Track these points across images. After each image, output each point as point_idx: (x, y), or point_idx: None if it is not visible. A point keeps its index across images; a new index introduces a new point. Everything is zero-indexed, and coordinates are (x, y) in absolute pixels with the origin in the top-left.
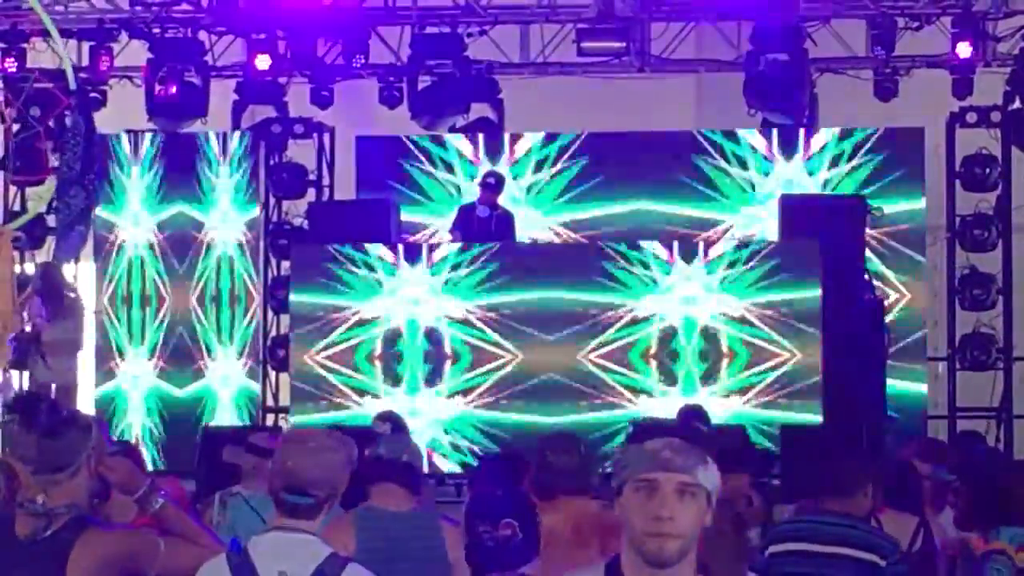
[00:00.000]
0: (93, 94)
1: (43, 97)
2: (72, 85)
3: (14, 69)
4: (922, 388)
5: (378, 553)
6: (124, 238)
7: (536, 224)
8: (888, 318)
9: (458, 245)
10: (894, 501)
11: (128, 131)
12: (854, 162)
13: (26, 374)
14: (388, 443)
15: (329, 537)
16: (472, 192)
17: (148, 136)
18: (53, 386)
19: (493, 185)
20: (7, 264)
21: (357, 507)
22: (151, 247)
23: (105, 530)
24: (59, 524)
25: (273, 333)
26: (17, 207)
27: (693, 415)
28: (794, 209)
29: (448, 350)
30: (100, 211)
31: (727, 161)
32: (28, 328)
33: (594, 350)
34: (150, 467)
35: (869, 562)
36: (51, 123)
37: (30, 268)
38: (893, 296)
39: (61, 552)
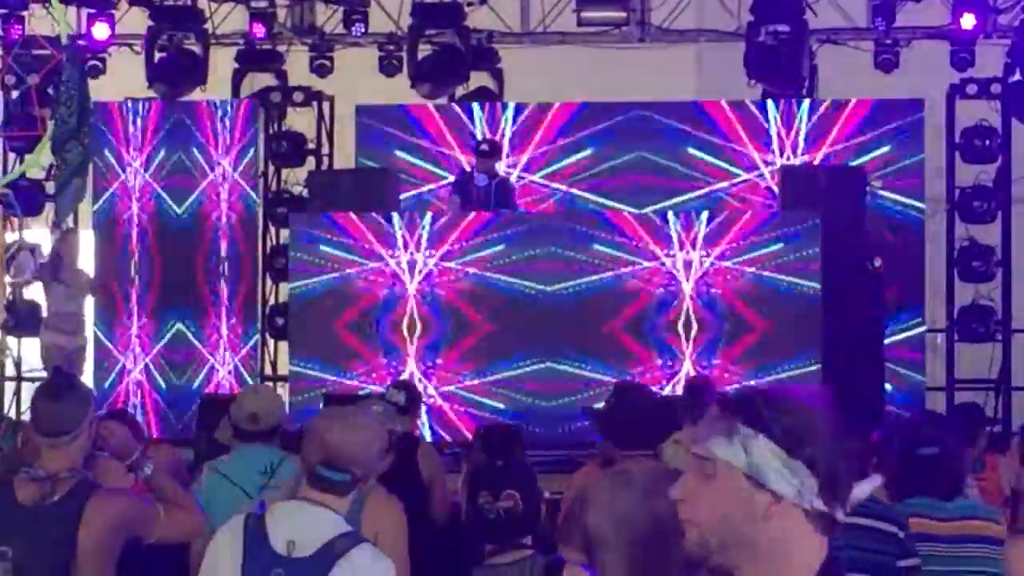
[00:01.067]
0: (93, 62)
1: (43, 64)
2: (64, 39)
3: (17, 36)
4: (920, 360)
5: None
6: (124, 210)
7: (532, 190)
8: (887, 289)
9: (457, 213)
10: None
11: (127, 99)
12: (853, 134)
13: (25, 342)
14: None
15: (369, 516)
16: (471, 161)
17: (147, 104)
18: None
19: (488, 152)
20: None
21: None
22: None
23: (112, 494)
24: (65, 489)
25: (272, 302)
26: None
27: (701, 385)
28: (794, 179)
29: (448, 318)
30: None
31: (727, 131)
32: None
33: (591, 318)
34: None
35: (891, 533)
36: (49, 90)
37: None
38: (892, 267)
39: (72, 516)
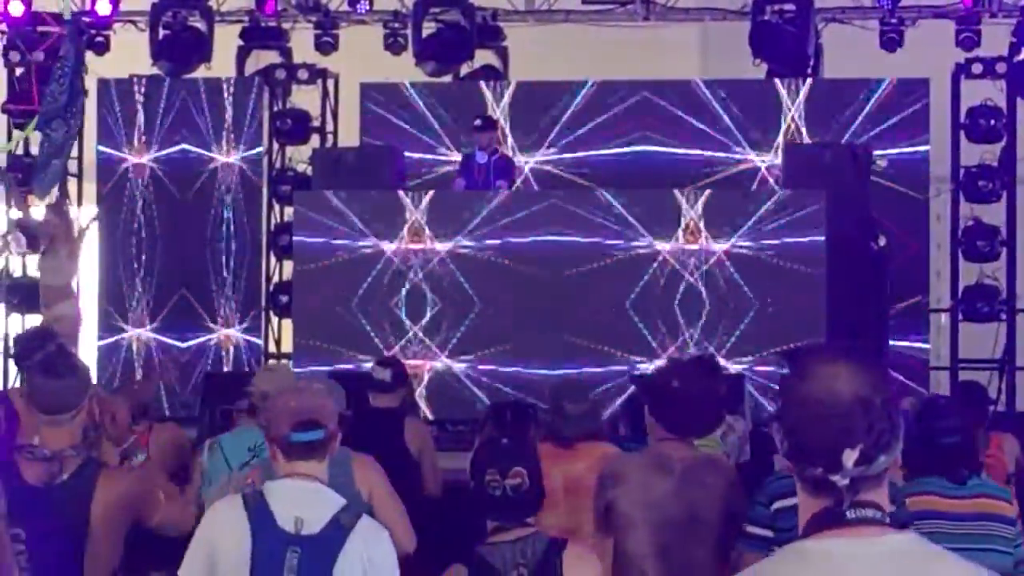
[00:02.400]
0: (98, 38)
1: (48, 42)
2: (68, 15)
3: (19, 14)
4: (925, 340)
5: None
6: (128, 187)
7: (537, 169)
8: (891, 268)
9: (459, 191)
10: None
11: (132, 76)
12: (859, 113)
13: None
14: None
15: (360, 477)
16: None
17: (152, 81)
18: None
19: (482, 127)
20: None
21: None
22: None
23: (120, 472)
24: (73, 467)
25: (276, 279)
26: (20, 152)
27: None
28: (799, 158)
29: (452, 297)
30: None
31: (732, 110)
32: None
33: (593, 297)
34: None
35: None
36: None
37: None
38: (897, 247)
39: (84, 495)
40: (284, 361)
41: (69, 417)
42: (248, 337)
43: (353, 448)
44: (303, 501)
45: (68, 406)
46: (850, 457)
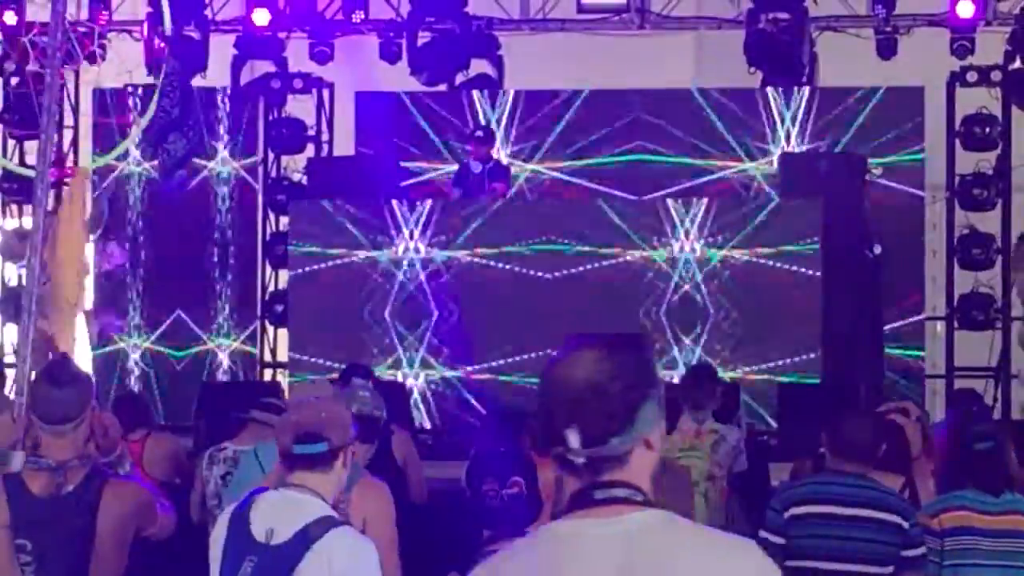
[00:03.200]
0: (93, 48)
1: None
2: (168, 30)
3: (13, 22)
4: (920, 348)
5: None
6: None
7: (532, 178)
8: (887, 277)
9: (454, 200)
10: (880, 461)
11: (127, 85)
12: (853, 121)
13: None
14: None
15: (355, 501)
16: (468, 148)
17: (148, 90)
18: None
19: (481, 138)
20: (80, 212)
21: None
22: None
23: (125, 482)
24: (78, 478)
25: (271, 288)
26: (15, 160)
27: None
28: (794, 166)
29: (444, 305)
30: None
31: (727, 119)
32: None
33: (587, 305)
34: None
35: (894, 524)
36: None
37: (28, 223)
38: (892, 255)
39: (90, 505)
40: (281, 372)
41: (71, 428)
42: (243, 346)
43: None
44: (282, 511)
45: (69, 416)
46: (572, 437)
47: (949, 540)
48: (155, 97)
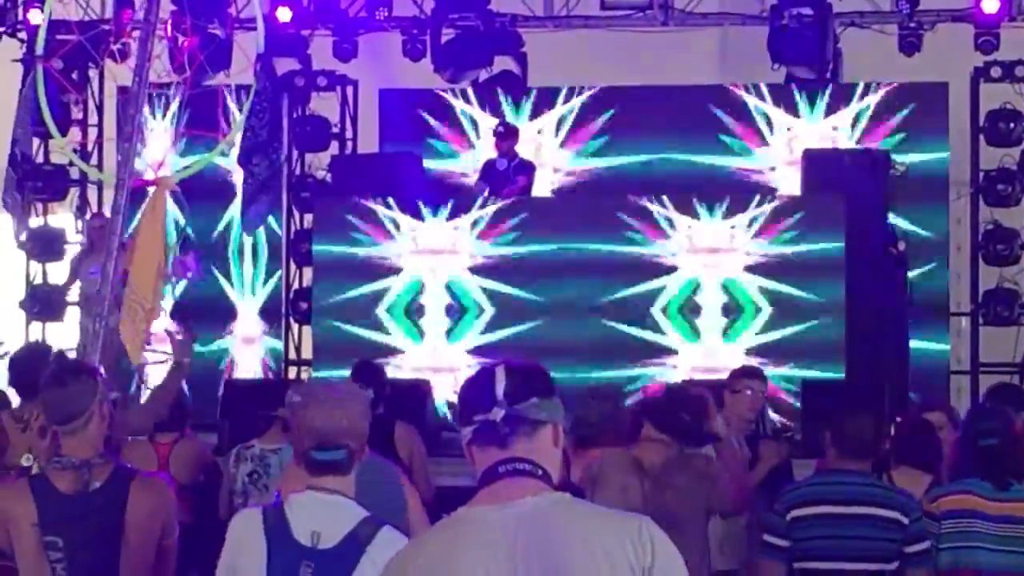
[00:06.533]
0: (115, 46)
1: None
2: (261, 48)
3: (38, 21)
4: (945, 344)
5: None
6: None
7: (557, 176)
8: (911, 273)
9: (478, 198)
10: (909, 458)
11: (151, 84)
12: (877, 117)
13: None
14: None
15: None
16: (493, 145)
17: (171, 89)
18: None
19: (503, 134)
20: (161, 220)
21: None
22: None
23: (152, 479)
24: (104, 475)
25: (296, 286)
26: (40, 159)
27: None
28: (817, 163)
29: (469, 303)
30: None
31: (750, 116)
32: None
33: (614, 304)
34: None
35: (894, 520)
36: (74, 75)
37: (52, 220)
38: (916, 251)
39: (118, 501)
40: (307, 369)
41: (83, 424)
42: (269, 344)
43: None
44: (322, 515)
45: (75, 413)
46: (500, 385)
47: (947, 523)
48: (243, 112)
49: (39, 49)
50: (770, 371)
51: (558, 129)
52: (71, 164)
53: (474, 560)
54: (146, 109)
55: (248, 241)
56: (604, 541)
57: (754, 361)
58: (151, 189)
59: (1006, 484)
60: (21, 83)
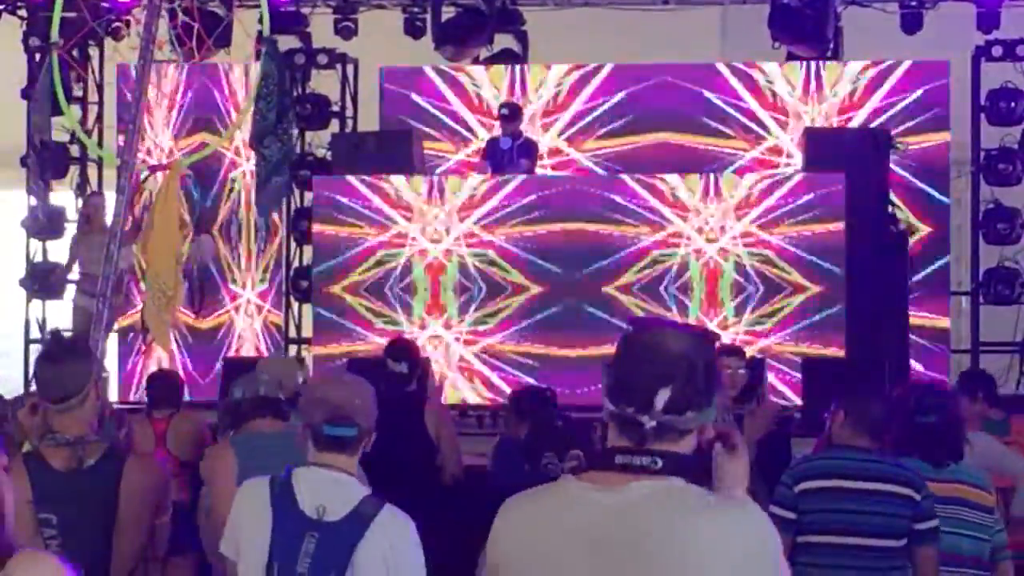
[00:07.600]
0: (116, 24)
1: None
2: (267, 30)
3: None
4: (945, 322)
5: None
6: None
7: (559, 155)
8: (912, 252)
9: (480, 177)
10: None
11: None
12: (878, 95)
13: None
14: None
15: (209, 464)
16: (494, 124)
17: (171, 67)
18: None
19: (508, 116)
20: (174, 205)
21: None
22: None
23: (146, 458)
24: (98, 453)
25: (296, 264)
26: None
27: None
28: (818, 142)
29: (470, 281)
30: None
31: (751, 93)
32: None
33: (617, 283)
34: None
35: (907, 496)
36: (74, 52)
37: (54, 198)
38: (917, 230)
39: (112, 479)
40: (307, 347)
41: (77, 403)
42: (268, 321)
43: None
44: (328, 490)
45: (69, 391)
46: (663, 397)
47: None
48: (251, 98)
49: (54, 36)
50: (770, 349)
51: (558, 108)
52: (71, 142)
53: (559, 543)
54: (151, 90)
55: (248, 218)
56: (710, 531)
57: (754, 339)
58: (160, 174)
59: (942, 464)
60: (28, 67)
